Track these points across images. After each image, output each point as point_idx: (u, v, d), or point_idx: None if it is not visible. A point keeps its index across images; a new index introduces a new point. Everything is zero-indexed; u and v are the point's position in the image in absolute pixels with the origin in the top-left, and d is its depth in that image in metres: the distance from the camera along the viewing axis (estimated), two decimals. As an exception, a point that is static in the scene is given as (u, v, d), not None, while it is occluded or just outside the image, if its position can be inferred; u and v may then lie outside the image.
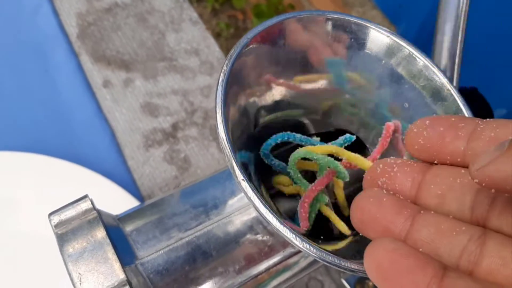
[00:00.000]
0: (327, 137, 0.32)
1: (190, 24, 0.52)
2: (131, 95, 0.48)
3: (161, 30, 0.52)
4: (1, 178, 0.41)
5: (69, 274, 0.23)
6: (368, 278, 0.40)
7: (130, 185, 0.44)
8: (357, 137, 0.30)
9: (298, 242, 0.21)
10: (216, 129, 0.23)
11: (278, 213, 0.23)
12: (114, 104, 0.47)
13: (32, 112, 0.46)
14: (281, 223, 0.21)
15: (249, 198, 0.21)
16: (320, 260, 0.21)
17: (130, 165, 0.45)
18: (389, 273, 0.17)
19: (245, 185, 0.21)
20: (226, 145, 0.22)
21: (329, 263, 0.21)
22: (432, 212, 0.20)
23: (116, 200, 0.38)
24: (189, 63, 0.50)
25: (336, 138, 0.32)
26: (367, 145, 0.30)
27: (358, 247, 0.27)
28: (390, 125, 0.28)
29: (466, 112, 0.26)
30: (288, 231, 0.21)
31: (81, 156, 0.44)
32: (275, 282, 0.28)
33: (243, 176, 0.22)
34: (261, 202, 0.21)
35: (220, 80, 0.24)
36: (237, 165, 0.22)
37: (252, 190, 0.21)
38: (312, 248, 0.21)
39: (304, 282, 0.42)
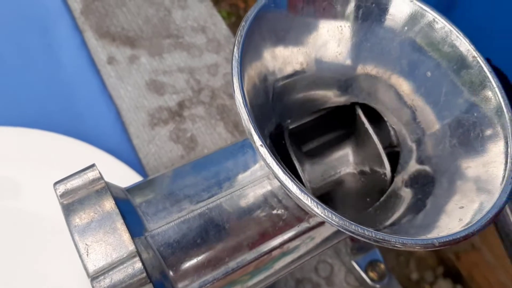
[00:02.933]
0: (343, 111, 0.30)
1: (197, 1, 0.51)
2: (136, 72, 0.46)
3: (167, 7, 0.50)
4: (2, 155, 0.40)
5: (75, 245, 0.22)
6: (380, 260, 0.39)
7: (135, 164, 0.42)
8: (375, 110, 0.29)
9: (319, 210, 0.20)
10: (232, 92, 0.21)
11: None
12: (119, 81, 0.46)
13: (35, 88, 0.45)
14: (302, 191, 0.20)
15: (268, 165, 0.20)
16: (342, 230, 0.20)
17: (135, 143, 0.44)
18: None
19: (263, 150, 0.20)
20: (243, 108, 0.21)
21: (353, 232, 0.19)
22: None
23: (122, 178, 0.37)
24: (196, 40, 0.49)
25: (352, 112, 0.30)
26: (386, 119, 0.29)
27: (376, 218, 0.26)
28: None
29: (493, 80, 0.24)
30: (309, 198, 0.20)
31: (85, 133, 0.42)
32: (288, 258, 0.27)
33: (262, 142, 0.20)
34: (281, 168, 0.20)
35: (237, 42, 0.23)
36: (255, 129, 0.21)
37: (271, 156, 0.20)
38: (334, 217, 0.20)
39: (313, 265, 0.41)
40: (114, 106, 0.45)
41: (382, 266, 0.38)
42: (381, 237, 0.19)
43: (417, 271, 1.03)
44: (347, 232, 0.19)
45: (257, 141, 0.20)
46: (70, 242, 0.25)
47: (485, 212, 0.20)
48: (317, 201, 0.20)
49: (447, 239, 0.19)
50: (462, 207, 0.22)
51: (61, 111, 0.44)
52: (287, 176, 0.20)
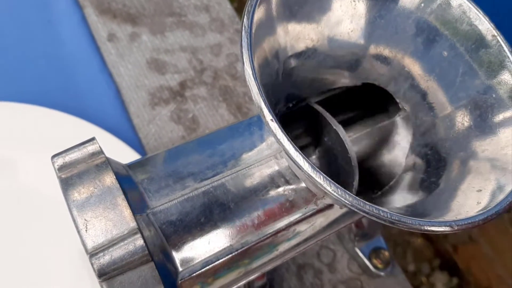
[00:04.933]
0: (353, 92, 0.29)
1: (201, -21, 0.50)
2: (137, 50, 0.45)
3: (170, -15, 0.49)
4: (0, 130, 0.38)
5: (74, 221, 0.21)
6: (384, 248, 0.38)
7: (135, 144, 0.41)
8: (386, 91, 0.28)
9: (331, 188, 0.19)
10: (242, 63, 0.20)
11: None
12: (119, 59, 0.45)
13: (33, 64, 0.44)
14: (314, 168, 0.19)
15: (278, 140, 0.19)
16: (356, 210, 0.19)
17: (135, 123, 0.43)
18: None
19: (274, 125, 0.19)
20: (253, 80, 0.20)
21: (367, 213, 0.18)
22: None
23: (122, 158, 0.35)
24: (199, 19, 0.47)
25: (363, 92, 0.29)
26: (398, 100, 0.28)
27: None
28: None
29: (513, 60, 0.23)
30: (321, 176, 0.19)
31: (84, 111, 0.41)
32: (293, 241, 0.26)
33: (272, 116, 0.19)
34: (292, 144, 0.19)
35: (246, 12, 0.21)
36: (265, 103, 0.20)
37: (282, 131, 0.19)
38: (347, 196, 0.19)
39: (315, 251, 0.40)
40: (114, 84, 0.44)
41: (386, 253, 0.37)
42: (396, 218, 0.18)
43: (414, 263, 1.02)
44: (361, 213, 0.18)
45: (267, 115, 0.19)
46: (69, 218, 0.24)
47: (507, 193, 0.19)
48: (330, 180, 0.19)
49: (466, 222, 0.19)
50: (480, 190, 0.21)
51: (59, 88, 0.43)
52: (299, 153, 0.19)
